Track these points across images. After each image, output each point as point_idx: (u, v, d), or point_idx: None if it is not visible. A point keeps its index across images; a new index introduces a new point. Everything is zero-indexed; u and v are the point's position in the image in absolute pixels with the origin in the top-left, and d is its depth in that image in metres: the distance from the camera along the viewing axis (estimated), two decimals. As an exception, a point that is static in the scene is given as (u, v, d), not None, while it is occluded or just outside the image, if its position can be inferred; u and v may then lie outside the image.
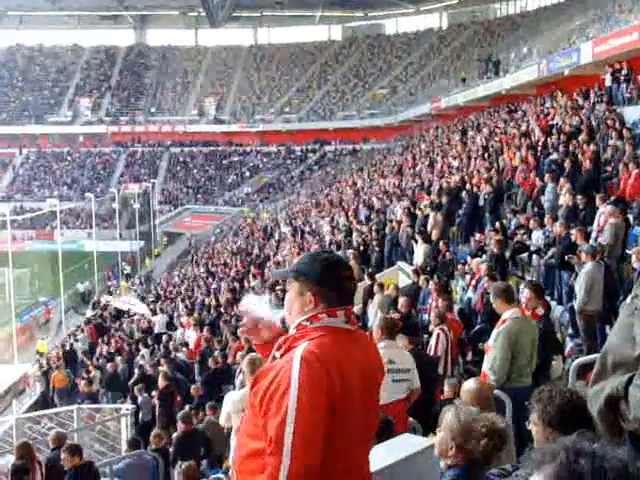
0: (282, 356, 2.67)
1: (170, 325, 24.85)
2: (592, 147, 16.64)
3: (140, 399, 15.89)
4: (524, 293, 7.99)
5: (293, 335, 2.73)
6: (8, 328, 34.86)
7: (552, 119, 23.50)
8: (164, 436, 11.12)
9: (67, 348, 27.60)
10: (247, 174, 69.52)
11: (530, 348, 6.99)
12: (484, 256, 13.90)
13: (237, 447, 2.79)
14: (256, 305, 3.08)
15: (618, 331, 2.42)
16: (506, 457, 3.80)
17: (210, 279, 32.14)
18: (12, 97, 79.64)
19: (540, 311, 8.00)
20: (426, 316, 12.81)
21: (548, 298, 12.56)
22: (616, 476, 1.40)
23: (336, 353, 2.64)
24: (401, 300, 13.23)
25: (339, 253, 21.60)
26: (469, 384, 5.55)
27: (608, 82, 22.95)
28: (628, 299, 2.41)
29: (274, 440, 2.48)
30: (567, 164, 16.33)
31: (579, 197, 13.56)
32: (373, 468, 3.06)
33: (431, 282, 13.35)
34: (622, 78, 22.13)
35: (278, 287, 17.42)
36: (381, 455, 3.71)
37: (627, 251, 10.74)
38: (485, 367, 7.07)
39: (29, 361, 30.85)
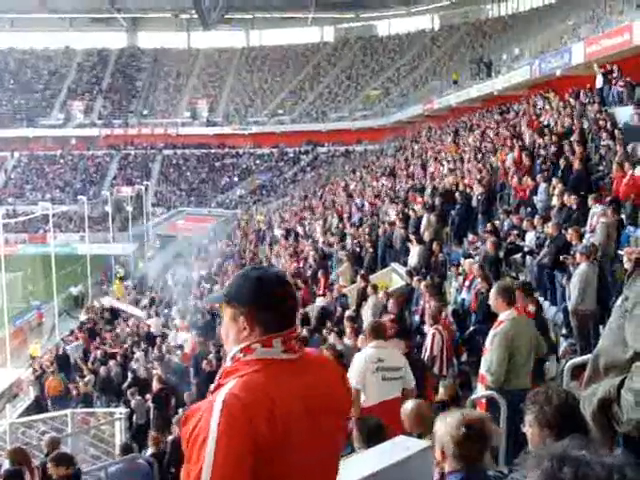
0: (212, 392, 2.37)
1: (165, 328, 24.85)
2: (584, 147, 16.70)
3: (133, 402, 15.89)
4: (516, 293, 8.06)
5: (227, 368, 2.43)
6: (1, 332, 34.71)
7: (544, 120, 23.55)
8: (162, 439, 11.10)
9: (60, 352, 27.50)
10: (240, 176, 69.46)
11: (527, 349, 6.99)
12: (477, 257, 13.92)
13: None
14: None
15: (609, 334, 2.42)
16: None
17: (204, 282, 32.10)
18: (4, 100, 79.41)
19: (532, 308, 8.01)
20: (417, 317, 12.84)
21: (541, 299, 12.61)
22: None
23: (266, 392, 2.32)
24: (390, 302, 13.28)
25: (332, 251, 21.63)
26: (407, 405, 5.55)
27: (599, 84, 23.00)
28: (619, 301, 2.42)
29: None
30: (559, 165, 16.39)
31: (572, 197, 13.59)
32: (365, 472, 3.02)
33: (422, 283, 13.38)
34: (614, 81, 22.18)
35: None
36: (373, 459, 3.70)
37: (619, 251, 10.76)
38: (482, 369, 7.08)
39: (22, 365, 30.75)
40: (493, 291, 7.12)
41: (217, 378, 2.45)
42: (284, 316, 2.47)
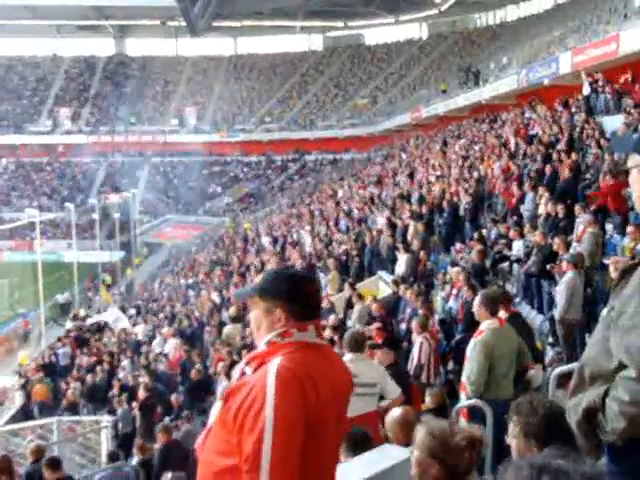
0: (254, 371, 2.66)
1: (151, 336, 24.75)
2: (572, 156, 16.77)
3: (119, 411, 15.83)
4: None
5: (264, 351, 2.74)
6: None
7: (532, 129, 23.65)
8: (148, 447, 11.05)
9: (46, 360, 27.37)
10: (227, 184, 69.37)
11: (509, 359, 7.00)
12: (463, 265, 13.95)
13: (204, 464, 2.72)
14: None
15: (595, 343, 2.44)
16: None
17: (190, 290, 32.02)
18: (-9, 107, 79.17)
19: (503, 315, 7.96)
20: (403, 326, 12.84)
21: (528, 307, 12.65)
22: None
23: (309, 368, 2.64)
24: (374, 305, 13.28)
25: (320, 263, 21.62)
26: (394, 412, 5.54)
27: (586, 91, 23.11)
28: (604, 311, 2.43)
29: (251, 458, 2.45)
30: (546, 173, 16.46)
31: (558, 206, 13.64)
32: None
33: (408, 291, 13.40)
34: (600, 89, 22.30)
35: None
36: (358, 468, 3.68)
37: (604, 260, 10.79)
38: (463, 377, 7.09)
39: (8, 374, 30.55)
40: (477, 300, 7.14)
41: (248, 359, 2.78)
42: (314, 308, 2.88)
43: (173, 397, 15.10)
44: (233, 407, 2.55)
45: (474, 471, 3.24)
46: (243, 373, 2.75)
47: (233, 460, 2.54)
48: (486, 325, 6.97)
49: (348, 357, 7.01)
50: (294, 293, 2.78)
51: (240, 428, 2.50)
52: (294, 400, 2.50)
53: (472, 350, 6.95)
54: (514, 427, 3.34)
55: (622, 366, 2.25)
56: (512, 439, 3.34)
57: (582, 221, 12.48)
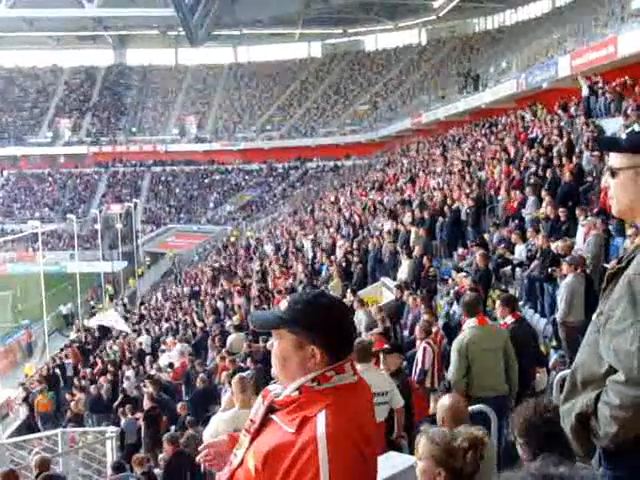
0: (298, 429, 2.28)
1: (155, 345, 24.74)
2: (573, 159, 16.76)
3: (123, 421, 15.79)
4: (496, 305, 8.32)
5: (297, 399, 2.36)
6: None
7: (532, 132, 23.66)
8: (147, 459, 11.00)
9: (50, 371, 27.37)
10: (229, 193, 69.43)
11: (491, 355, 7.18)
12: (468, 270, 13.94)
13: None
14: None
15: (585, 348, 2.44)
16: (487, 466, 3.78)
17: (193, 299, 32.00)
18: (-9, 119, 79.35)
19: (509, 319, 8.10)
20: (407, 332, 12.83)
21: (531, 311, 12.63)
22: None
23: (357, 419, 2.33)
24: (373, 309, 13.27)
25: (322, 270, 21.62)
26: (444, 400, 5.64)
27: (585, 92, 23.12)
28: (594, 316, 2.43)
29: None
30: (547, 177, 16.46)
31: (559, 209, 13.64)
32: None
33: (411, 297, 13.40)
34: (600, 92, 22.31)
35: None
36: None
37: (605, 265, 10.77)
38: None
39: (12, 385, 30.56)
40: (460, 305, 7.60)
41: (287, 411, 2.37)
42: (349, 342, 2.49)
43: (179, 405, 15.07)
44: (279, 474, 2.25)
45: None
46: (271, 419, 2.41)
47: None
48: (466, 324, 7.47)
49: (357, 368, 7.01)
50: (332, 327, 2.39)
51: None
52: (351, 465, 2.22)
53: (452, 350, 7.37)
54: (515, 427, 3.35)
55: (613, 370, 2.26)
56: (517, 440, 3.35)
57: (585, 224, 12.48)
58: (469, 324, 7.41)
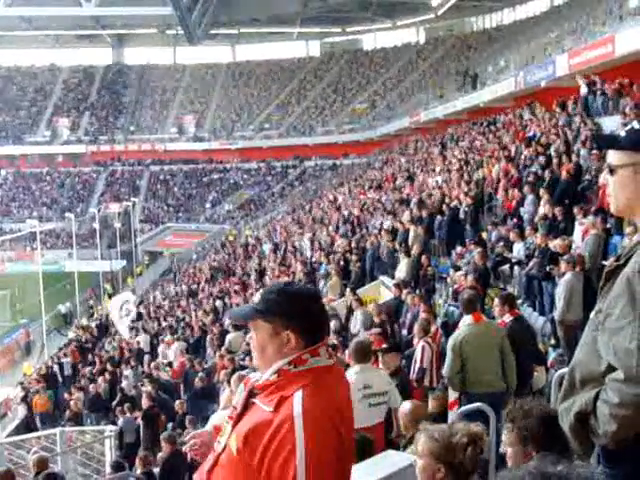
0: (276, 408, 2.39)
1: (153, 344, 24.73)
2: (570, 157, 16.76)
3: (121, 420, 15.79)
4: (495, 303, 8.37)
5: (275, 381, 2.48)
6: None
7: (529, 131, 23.65)
8: (150, 459, 11.01)
9: (48, 371, 27.36)
10: (228, 191, 69.41)
11: (486, 352, 7.21)
12: (466, 269, 13.93)
13: None
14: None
15: (584, 346, 2.44)
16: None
17: (192, 298, 32.02)
18: (-10, 118, 79.28)
19: (507, 318, 8.11)
20: (405, 331, 12.83)
21: (530, 309, 12.64)
22: None
23: (332, 398, 2.46)
24: (372, 307, 13.27)
25: (321, 268, 21.62)
26: (404, 406, 5.87)
27: (583, 90, 23.11)
28: (592, 314, 2.43)
29: None
30: (545, 175, 16.45)
31: (557, 208, 13.64)
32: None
33: (409, 296, 13.40)
34: (598, 92, 22.30)
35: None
36: (360, 474, 3.67)
37: (604, 262, 10.77)
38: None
39: (11, 384, 30.56)
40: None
41: (260, 392, 2.51)
42: (322, 327, 2.64)
43: (177, 403, 15.09)
44: (258, 450, 2.36)
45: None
46: (252, 403, 2.53)
47: None
48: (462, 322, 7.62)
49: (357, 368, 7.03)
50: (304, 313, 2.52)
51: (268, 471, 2.33)
52: (326, 442, 2.33)
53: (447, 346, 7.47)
54: (509, 433, 3.32)
55: (611, 368, 2.25)
56: (507, 446, 3.32)
57: (583, 222, 12.48)
58: (465, 321, 7.52)
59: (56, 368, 27.36)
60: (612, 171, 2.42)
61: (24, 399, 24.24)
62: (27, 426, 22.19)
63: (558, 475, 1.45)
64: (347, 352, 7.63)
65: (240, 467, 2.44)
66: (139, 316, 33.84)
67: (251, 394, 2.56)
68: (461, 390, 7.25)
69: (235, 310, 2.98)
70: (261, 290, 2.70)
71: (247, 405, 2.55)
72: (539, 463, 1.50)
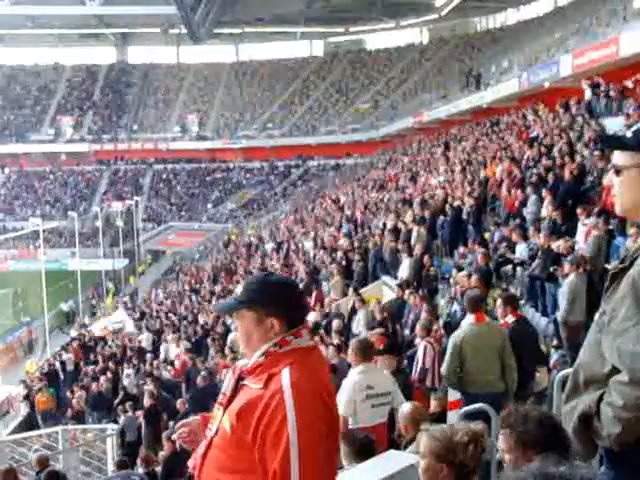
0: (265, 385, 2.57)
1: (156, 343, 24.75)
2: (574, 158, 16.74)
3: (123, 419, 15.80)
4: (497, 304, 8.35)
5: (263, 362, 2.66)
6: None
7: (532, 132, 23.64)
8: (153, 459, 11.03)
9: (51, 369, 27.37)
10: (231, 190, 69.42)
11: (486, 354, 7.21)
12: (468, 269, 13.93)
13: None
14: None
15: (588, 348, 2.43)
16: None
17: (194, 296, 32.01)
18: (-7, 116, 79.34)
19: (510, 319, 8.10)
20: (408, 331, 12.83)
21: (532, 310, 12.62)
22: None
23: (318, 374, 2.66)
24: (374, 305, 13.27)
25: (323, 268, 21.63)
26: (404, 408, 5.90)
27: (588, 95, 23.12)
28: (596, 315, 2.42)
29: (279, 474, 2.43)
30: (548, 176, 16.43)
31: (559, 209, 13.63)
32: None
33: (412, 296, 13.40)
34: (602, 93, 22.29)
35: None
36: (362, 474, 3.67)
37: (606, 265, 10.76)
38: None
39: (13, 382, 30.57)
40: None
41: (250, 373, 2.69)
42: (302, 311, 2.87)
43: (179, 402, 15.10)
44: (250, 425, 2.51)
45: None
46: (242, 386, 2.69)
47: (241, 476, 2.54)
48: (464, 322, 7.58)
49: (360, 368, 7.02)
50: (285, 300, 2.72)
51: (261, 445, 2.47)
52: (315, 411, 2.50)
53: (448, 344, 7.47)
54: (507, 439, 3.30)
55: (616, 370, 2.24)
56: (506, 452, 3.30)
57: (586, 223, 12.47)
58: (467, 321, 7.48)
59: (58, 366, 27.37)
60: (618, 172, 2.41)
61: (26, 397, 24.26)
62: (29, 424, 22.20)
63: (561, 476, 1.45)
64: (349, 352, 7.60)
65: (234, 443, 2.58)
66: (142, 315, 33.88)
67: (240, 379, 2.73)
68: (458, 389, 7.25)
69: (220, 304, 3.18)
70: (243, 282, 2.93)
71: (237, 389, 2.71)
72: (542, 464, 1.50)
